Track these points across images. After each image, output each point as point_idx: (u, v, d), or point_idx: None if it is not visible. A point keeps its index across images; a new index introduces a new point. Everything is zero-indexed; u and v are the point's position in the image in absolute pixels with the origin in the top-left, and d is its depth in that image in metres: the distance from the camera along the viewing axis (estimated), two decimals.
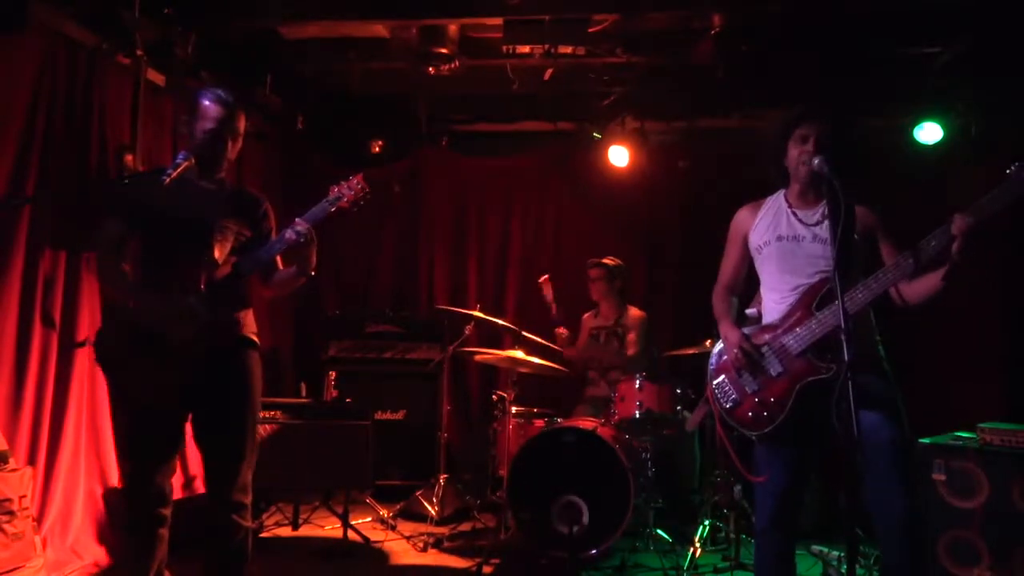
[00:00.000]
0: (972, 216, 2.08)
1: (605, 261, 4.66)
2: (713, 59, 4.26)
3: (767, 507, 2.43)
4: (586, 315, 4.84)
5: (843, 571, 3.38)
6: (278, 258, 2.65)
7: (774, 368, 2.37)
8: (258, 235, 2.62)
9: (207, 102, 2.51)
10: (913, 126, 4.67)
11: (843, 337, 2.02)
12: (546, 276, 4.59)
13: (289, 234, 2.50)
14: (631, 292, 4.92)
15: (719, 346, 2.56)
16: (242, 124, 2.59)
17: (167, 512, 2.52)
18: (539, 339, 4.36)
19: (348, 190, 2.59)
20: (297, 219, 2.52)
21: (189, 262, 2.45)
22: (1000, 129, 4.57)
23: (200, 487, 4.09)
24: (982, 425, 3.12)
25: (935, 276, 2.21)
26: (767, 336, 2.41)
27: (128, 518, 2.55)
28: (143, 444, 2.48)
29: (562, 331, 4.62)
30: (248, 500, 2.56)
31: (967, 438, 3.17)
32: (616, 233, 5.45)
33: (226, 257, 2.50)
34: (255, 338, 2.63)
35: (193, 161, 2.47)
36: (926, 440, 3.16)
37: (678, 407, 4.05)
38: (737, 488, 3.87)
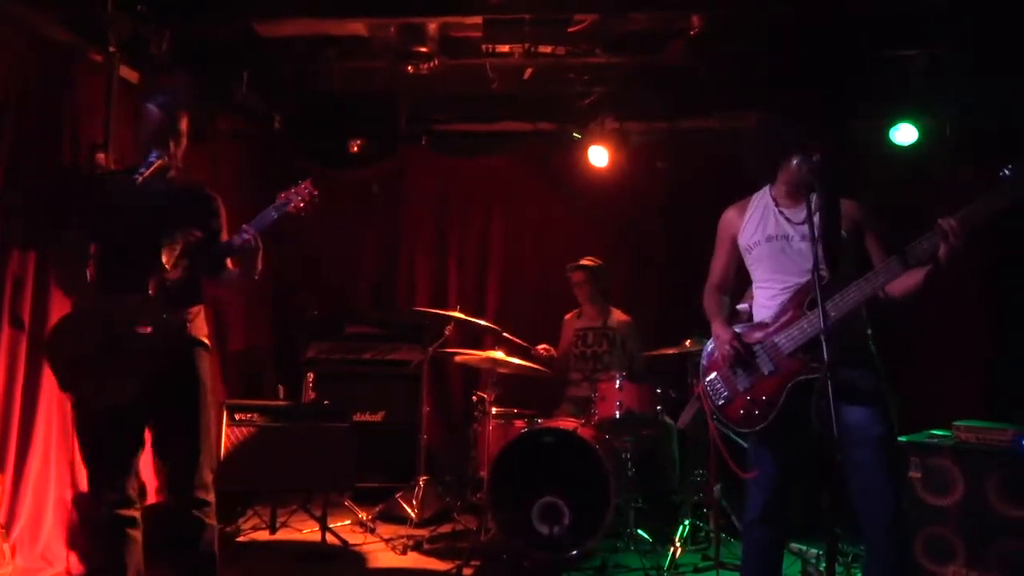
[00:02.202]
0: (961, 221, 2.09)
1: (585, 263, 4.65)
2: (685, 59, 4.27)
3: (757, 501, 2.45)
4: (568, 315, 4.84)
5: (821, 569, 3.40)
6: (228, 260, 2.68)
7: (766, 366, 2.39)
8: (208, 233, 2.63)
9: (148, 105, 2.59)
10: (889, 127, 4.72)
11: (822, 337, 2.04)
12: (496, 328, 4.53)
13: (236, 240, 2.54)
14: (612, 292, 4.93)
15: (711, 343, 2.57)
16: (183, 125, 2.63)
17: (134, 513, 2.52)
18: (515, 337, 4.37)
19: (296, 196, 2.63)
20: (244, 225, 2.56)
21: (139, 265, 2.47)
22: (976, 131, 4.63)
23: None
24: (957, 423, 3.16)
25: (919, 274, 2.23)
26: (759, 334, 2.43)
27: (94, 521, 2.54)
28: (103, 447, 2.49)
29: (541, 349, 4.62)
30: (211, 498, 2.57)
31: (943, 436, 3.21)
32: (597, 233, 5.46)
33: (176, 258, 2.51)
34: (205, 339, 2.65)
35: (166, 160, 2.47)
36: (903, 438, 3.18)
37: (659, 407, 4.05)
38: (717, 487, 3.88)
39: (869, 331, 2.42)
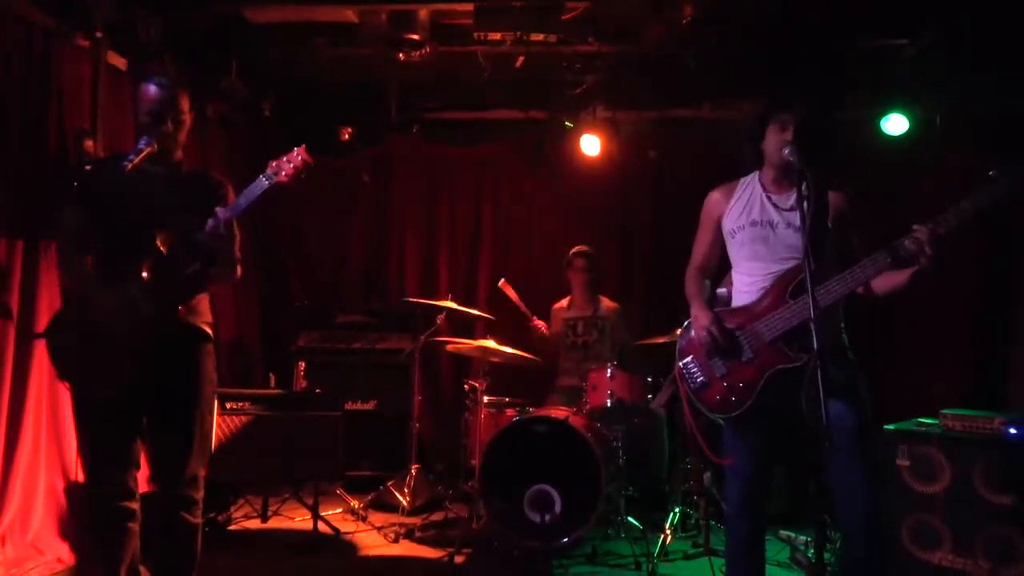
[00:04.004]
0: (946, 223, 2.09)
1: (588, 251, 4.66)
2: (676, 48, 4.26)
3: (735, 492, 2.46)
4: (557, 304, 4.84)
5: (810, 555, 3.44)
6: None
7: (745, 353, 2.38)
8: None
9: (146, 85, 2.50)
10: (879, 118, 4.73)
11: (812, 326, 2.03)
12: (503, 280, 4.55)
13: (210, 223, 2.41)
14: (603, 281, 4.94)
15: (687, 326, 2.55)
16: (185, 105, 2.54)
17: (133, 506, 2.48)
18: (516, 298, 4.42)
19: (287, 163, 2.52)
20: (218, 208, 2.44)
21: (135, 251, 2.40)
22: (965, 121, 4.65)
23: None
24: (945, 411, 3.18)
25: (903, 274, 2.23)
26: (739, 320, 2.42)
27: (92, 514, 2.49)
28: (100, 438, 2.44)
29: (538, 324, 4.62)
30: (198, 495, 2.51)
31: (930, 424, 3.23)
32: (587, 222, 5.46)
33: (176, 245, 2.43)
34: (207, 328, 2.58)
35: (156, 146, 2.43)
36: (891, 426, 3.21)
37: (649, 396, 4.07)
38: (707, 475, 3.91)
39: (843, 325, 2.43)
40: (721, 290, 2.67)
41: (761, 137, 2.45)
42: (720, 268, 2.67)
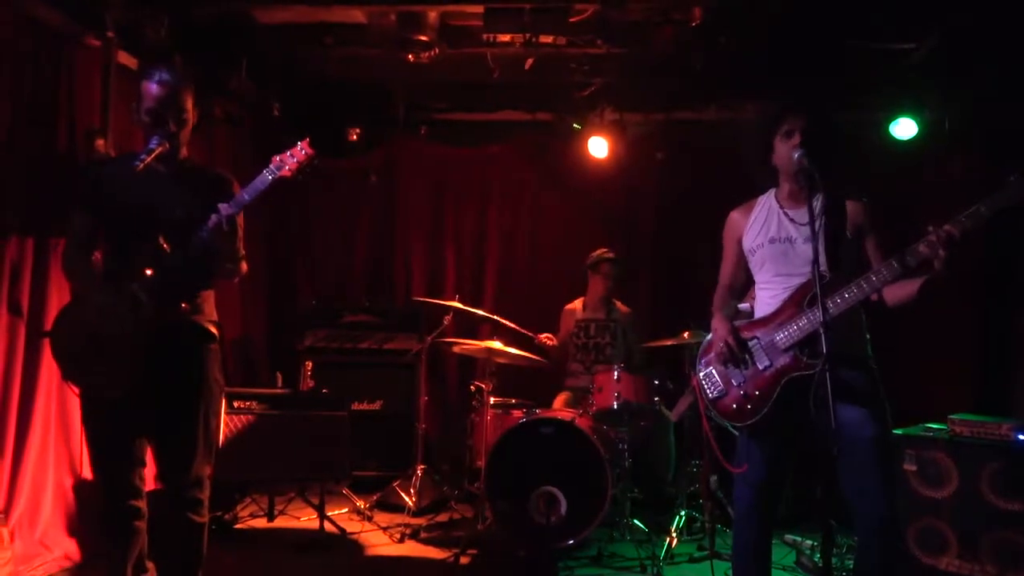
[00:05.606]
0: (960, 227, 2.09)
1: (616, 257, 4.63)
2: (685, 50, 4.26)
3: (746, 497, 2.46)
4: (568, 306, 4.82)
5: (815, 559, 3.43)
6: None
7: (761, 362, 2.40)
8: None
9: (147, 82, 2.45)
10: (888, 121, 4.72)
11: (821, 331, 2.04)
12: (495, 318, 4.50)
13: (213, 218, 2.38)
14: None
15: (708, 338, 2.58)
16: (188, 103, 2.50)
17: (140, 504, 2.49)
18: (516, 326, 4.37)
19: (291, 158, 2.50)
20: (221, 204, 2.40)
21: (138, 249, 2.39)
22: (973, 124, 4.63)
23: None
24: (952, 416, 3.18)
25: (914, 284, 2.22)
26: (757, 331, 2.44)
27: (103, 513, 2.50)
28: (105, 437, 2.45)
29: (543, 338, 4.61)
30: (203, 495, 2.50)
31: (938, 429, 3.23)
32: (593, 224, 5.46)
33: (180, 242, 2.40)
34: (213, 327, 2.56)
35: (167, 146, 2.42)
36: (898, 431, 3.21)
37: (655, 398, 4.07)
38: (713, 478, 3.90)
39: (867, 336, 2.43)
40: (744, 305, 2.68)
41: (770, 153, 2.45)
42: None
